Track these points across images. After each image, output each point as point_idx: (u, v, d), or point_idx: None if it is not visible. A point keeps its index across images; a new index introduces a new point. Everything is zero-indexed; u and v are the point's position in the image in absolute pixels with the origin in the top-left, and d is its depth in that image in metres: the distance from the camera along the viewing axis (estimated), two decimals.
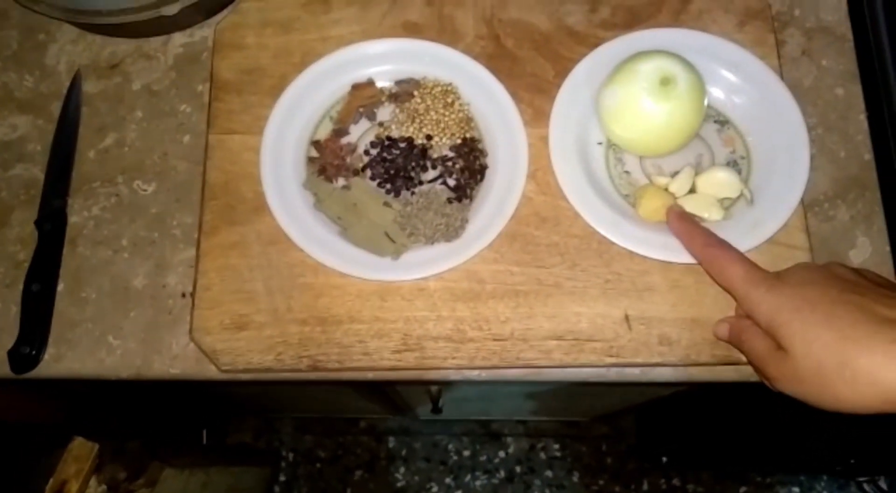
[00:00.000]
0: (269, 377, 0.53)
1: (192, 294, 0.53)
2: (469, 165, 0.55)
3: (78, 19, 0.54)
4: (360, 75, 0.57)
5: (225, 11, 0.61)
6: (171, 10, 0.54)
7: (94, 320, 0.54)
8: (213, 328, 0.52)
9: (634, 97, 0.51)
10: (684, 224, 0.51)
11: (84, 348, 0.53)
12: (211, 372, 0.53)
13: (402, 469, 1.44)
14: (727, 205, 0.54)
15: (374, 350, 0.52)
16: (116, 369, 0.53)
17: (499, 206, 0.53)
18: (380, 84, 0.57)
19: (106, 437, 1.18)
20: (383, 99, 0.57)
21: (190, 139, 0.58)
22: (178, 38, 0.61)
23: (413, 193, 0.55)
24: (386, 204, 0.54)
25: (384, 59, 0.57)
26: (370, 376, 0.53)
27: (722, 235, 0.50)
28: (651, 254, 0.52)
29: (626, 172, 0.55)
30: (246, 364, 0.51)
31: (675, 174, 0.54)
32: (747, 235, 0.52)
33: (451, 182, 0.55)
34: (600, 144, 0.56)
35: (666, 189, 0.54)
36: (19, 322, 0.53)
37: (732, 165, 0.55)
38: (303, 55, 0.58)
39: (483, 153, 0.55)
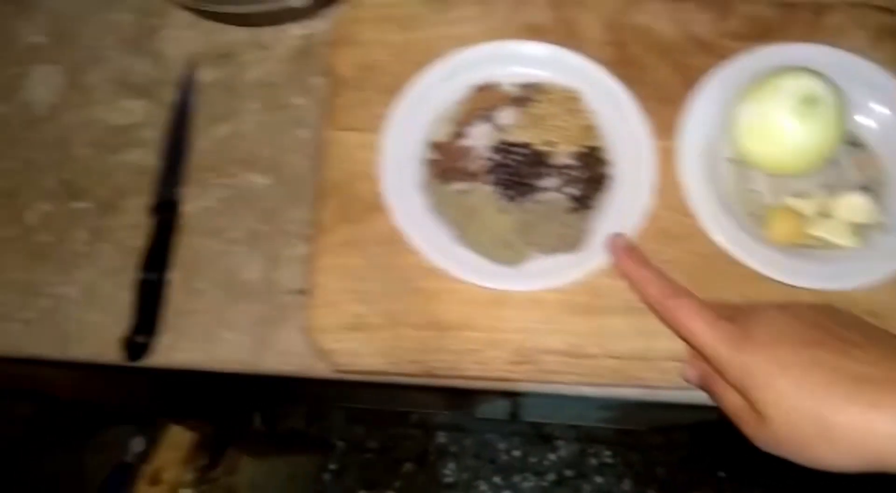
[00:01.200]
0: (378, 380, 0.53)
1: (307, 292, 0.52)
2: (591, 174, 0.53)
3: (205, 7, 0.54)
4: (482, 77, 0.56)
5: (342, 4, 0.60)
6: (299, 2, 0.53)
7: (205, 311, 0.54)
8: (329, 327, 0.51)
9: (774, 115, 0.49)
10: (635, 267, 0.48)
11: (195, 339, 0.53)
12: (322, 371, 0.52)
13: (451, 465, 1.44)
14: (860, 231, 0.52)
15: (489, 360, 0.51)
16: (227, 362, 0.53)
17: (623, 219, 0.52)
18: (501, 87, 0.56)
19: (169, 420, 1.19)
20: (505, 102, 0.55)
21: (304, 133, 0.58)
22: (293, 30, 0.60)
23: (532, 200, 0.53)
24: (504, 210, 0.53)
25: (508, 62, 0.56)
26: (479, 384, 0.53)
27: (856, 263, 0.49)
28: (780, 277, 0.50)
29: (754, 190, 0.53)
30: (361, 366, 0.51)
31: (802, 195, 0.52)
32: (883, 264, 0.50)
33: (572, 191, 0.53)
34: (728, 159, 0.54)
35: (798, 211, 0.52)
36: (133, 310, 0.53)
37: (865, 189, 0.53)
38: (422, 53, 0.57)
39: (606, 163, 0.54)
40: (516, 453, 1.45)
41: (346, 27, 0.58)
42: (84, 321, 0.54)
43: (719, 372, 0.43)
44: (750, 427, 0.41)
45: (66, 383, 0.81)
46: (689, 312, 0.44)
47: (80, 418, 1.27)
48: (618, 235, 0.50)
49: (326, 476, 1.42)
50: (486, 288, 0.51)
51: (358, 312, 0.52)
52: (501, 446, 1.45)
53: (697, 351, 0.45)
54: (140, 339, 0.52)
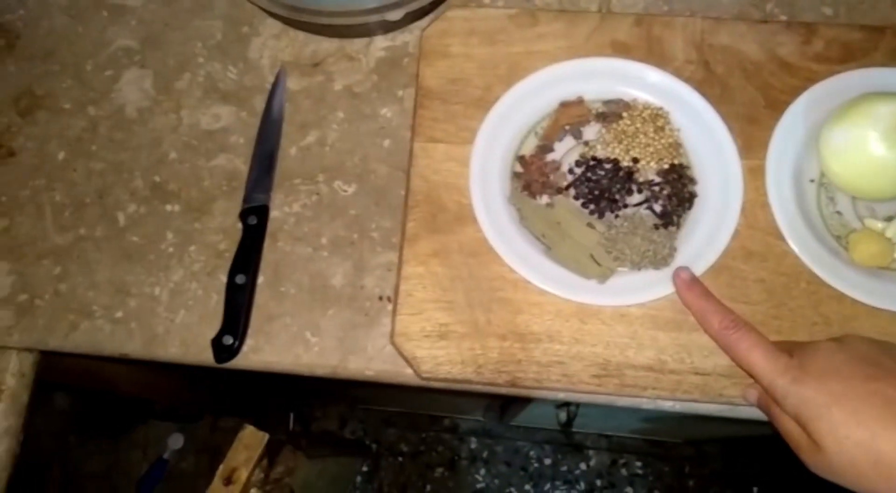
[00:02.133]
0: (462, 388, 0.54)
1: (394, 299, 0.53)
2: (677, 191, 0.54)
3: (300, 18, 0.55)
4: (569, 92, 0.57)
5: (429, 17, 0.61)
6: (395, 15, 0.54)
7: (292, 314, 0.55)
8: (414, 335, 0.52)
9: (865, 139, 0.50)
10: (697, 298, 0.50)
11: (282, 342, 0.54)
12: (408, 377, 0.53)
13: (482, 471, 1.44)
14: None
15: (574, 373, 0.51)
16: (313, 366, 0.54)
17: (710, 237, 0.52)
18: (588, 103, 0.57)
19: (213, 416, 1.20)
20: (590, 118, 0.56)
21: (390, 144, 0.58)
22: (380, 41, 0.61)
23: (617, 215, 0.54)
24: (590, 225, 0.54)
25: (594, 78, 0.57)
26: (562, 396, 0.53)
27: None
28: (865, 299, 0.51)
29: (838, 212, 0.54)
30: (446, 374, 0.52)
31: (889, 218, 0.53)
32: None
33: (658, 208, 0.54)
34: (812, 181, 0.54)
35: (883, 234, 0.52)
36: (223, 313, 0.54)
37: None
38: (508, 68, 0.58)
39: (692, 181, 0.54)
40: (547, 461, 1.45)
41: (434, 40, 0.59)
42: (172, 322, 0.55)
43: (776, 402, 0.45)
44: (807, 454, 0.43)
45: (119, 378, 0.82)
46: (749, 344, 0.46)
47: (118, 412, 1.29)
48: (682, 269, 0.51)
49: (358, 479, 1.43)
50: (571, 301, 0.52)
51: (443, 320, 0.53)
52: (532, 453, 1.45)
53: (753, 378, 0.47)
54: (229, 341, 0.53)
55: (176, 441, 1.31)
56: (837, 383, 0.42)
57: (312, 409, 1.47)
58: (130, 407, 1.28)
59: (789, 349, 0.45)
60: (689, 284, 0.50)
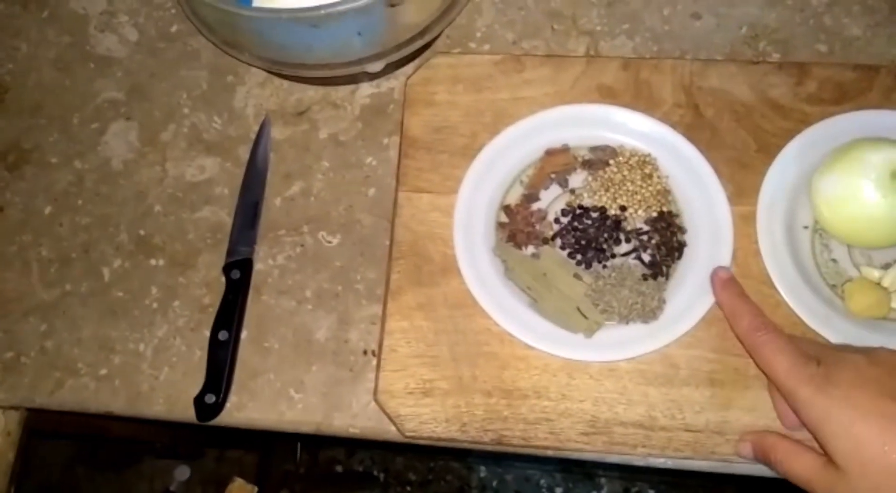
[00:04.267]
0: (447, 445, 0.52)
1: (377, 354, 0.52)
2: (665, 240, 0.53)
3: (282, 71, 0.55)
4: (554, 140, 0.56)
5: (414, 64, 0.61)
6: (375, 67, 0.54)
7: (275, 370, 0.54)
8: (398, 392, 0.51)
9: (858, 188, 0.48)
10: (732, 297, 0.48)
11: (265, 399, 0.53)
12: (392, 434, 0.52)
13: None
14: None
15: (561, 430, 0.50)
16: (296, 424, 0.53)
17: (700, 288, 0.51)
18: (573, 150, 0.56)
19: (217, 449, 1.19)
20: (576, 166, 0.55)
21: (375, 192, 0.58)
22: (365, 89, 0.61)
23: (605, 266, 0.53)
24: (576, 276, 0.52)
25: (580, 125, 0.56)
26: (549, 453, 0.52)
27: None
28: None
29: (834, 260, 0.52)
30: (430, 432, 0.51)
31: (886, 266, 0.51)
32: None
33: (646, 258, 0.53)
34: (806, 227, 0.53)
35: (879, 283, 0.51)
36: (206, 369, 0.53)
37: None
38: (494, 115, 0.57)
39: (681, 229, 0.53)
40: (558, 490, 1.43)
41: (419, 88, 0.58)
42: (156, 379, 0.54)
43: (795, 413, 0.43)
44: (829, 488, 0.40)
45: (110, 424, 0.82)
46: (774, 348, 0.44)
47: (124, 448, 1.29)
48: (721, 268, 0.50)
49: None
50: (558, 356, 0.51)
51: (427, 376, 0.52)
52: (543, 482, 1.43)
53: (775, 385, 0.44)
54: (211, 399, 0.53)
55: (182, 473, 1.30)
56: (863, 397, 0.40)
57: (320, 438, 1.46)
58: (132, 445, 1.28)
59: (819, 355, 0.43)
60: (726, 283, 0.49)
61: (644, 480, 1.41)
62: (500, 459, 1.43)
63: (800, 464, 0.42)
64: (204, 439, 1.22)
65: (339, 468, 1.44)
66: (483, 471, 1.44)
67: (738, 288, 0.49)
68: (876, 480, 0.38)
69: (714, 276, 0.50)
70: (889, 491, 0.37)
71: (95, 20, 0.65)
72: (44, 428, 0.63)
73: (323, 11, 0.47)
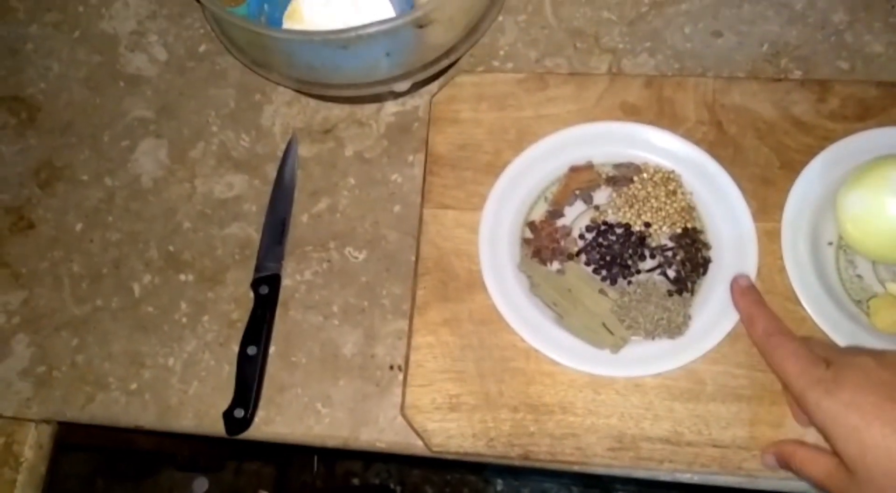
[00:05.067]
0: (474, 460, 0.53)
1: (404, 369, 0.53)
2: (690, 256, 0.53)
3: (310, 90, 0.56)
4: (578, 157, 0.56)
5: (438, 82, 0.61)
6: (402, 86, 0.54)
7: (303, 385, 0.55)
8: (425, 407, 0.52)
9: (883, 204, 0.49)
10: (750, 303, 0.49)
11: (293, 414, 0.54)
12: (419, 448, 0.53)
13: None
14: None
15: (587, 446, 0.50)
16: (324, 438, 0.54)
17: (725, 303, 0.51)
18: (598, 167, 0.56)
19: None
20: (601, 182, 0.56)
21: (400, 209, 0.59)
22: (390, 107, 0.62)
23: (630, 282, 0.53)
24: (602, 292, 0.53)
25: (604, 142, 0.56)
26: (577, 468, 0.52)
27: None
28: None
29: (859, 275, 0.52)
30: (457, 448, 0.51)
31: None
32: None
33: (671, 274, 0.53)
34: (831, 244, 0.53)
35: None
36: (234, 384, 0.54)
37: None
38: (518, 132, 0.58)
39: (706, 246, 0.53)
40: None
41: (443, 106, 0.59)
42: (185, 394, 0.55)
43: (807, 415, 0.43)
44: (842, 489, 0.41)
45: (137, 437, 0.83)
46: (787, 352, 0.45)
47: (143, 460, 1.29)
48: (741, 276, 0.51)
49: None
50: (584, 371, 0.51)
51: (454, 391, 0.52)
52: None
53: (787, 388, 0.45)
54: (240, 414, 0.53)
55: (201, 486, 1.31)
56: (871, 403, 0.40)
57: (337, 451, 1.46)
58: (153, 457, 1.29)
59: (830, 359, 0.44)
60: (745, 290, 0.50)
61: (662, 490, 1.40)
62: (516, 472, 1.43)
63: (816, 467, 0.43)
64: (223, 451, 1.22)
65: (355, 481, 1.44)
66: (500, 484, 1.43)
67: (756, 295, 0.50)
68: (881, 483, 0.38)
69: (734, 283, 0.51)
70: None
71: (125, 40, 0.67)
72: (74, 441, 0.63)
73: (353, 33, 0.47)
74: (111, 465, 1.27)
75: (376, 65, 0.53)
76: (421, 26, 0.49)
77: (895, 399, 0.40)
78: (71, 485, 1.34)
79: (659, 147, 0.56)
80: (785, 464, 0.46)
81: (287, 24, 0.55)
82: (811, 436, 0.47)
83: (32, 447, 0.56)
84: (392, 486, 1.44)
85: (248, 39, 0.55)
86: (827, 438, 0.42)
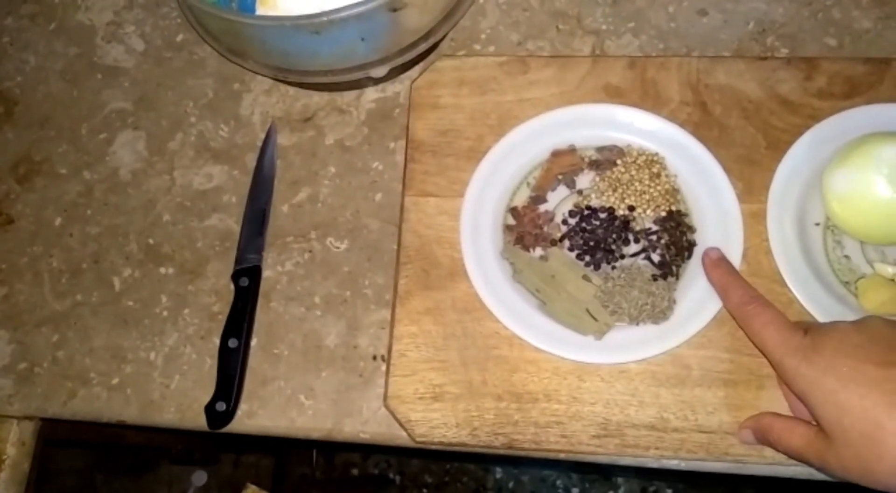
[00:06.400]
0: (458, 450, 0.52)
1: (387, 360, 0.52)
2: (675, 240, 0.52)
3: (287, 78, 0.55)
4: (560, 141, 0.55)
5: (418, 67, 0.60)
6: (379, 72, 0.53)
7: (285, 377, 0.54)
8: (408, 397, 0.51)
9: (870, 184, 0.48)
10: (722, 274, 0.49)
11: (276, 406, 0.53)
12: (403, 440, 0.52)
13: None
14: None
15: (572, 433, 0.50)
16: (307, 430, 0.53)
17: (710, 288, 0.50)
18: (580, 151, 0.55)
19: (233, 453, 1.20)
20: (584, 166, 0.55)
21: (382, 197, 0.58)
22: (371, 94, 0.61)
23: (614, 267, 0.53)
24: (585, 277, 0.52)
25: (586, 125, 0.55)
26: (562, 456, 0.52)
27: None
28: None
29: (847, 256, 0.51)
30: (441, 437, 0.51)
31: None
32: None
33: (656, 258, 0.52)
34: (818, 224, 0.52)
35: (893, 280, 0.50)
36: (216, 377, 0.53)
37: None
38: (499, 117, 0.57)
39: (691, 228, 0.53)
40: (575, 490, 1.42)
41: (424, 92, 0.58)
42: (167, 388, 0.55)
43: (786, 383, 0.43)
44: (816, 458, 0.41)
45: (125, 432, 0.82)
46: (764, 320, 0.45)
47: (141, 455, 1.29)
48: (711, 249, 0.51)
49: None
50: (568, 359, 0.51)
51: (437, 381, 0.51)
52: (560, 482, 1.42)
53: (765, 356, 0.45)
54: (222, 407, 0.53)
55: (199, 479, 1.31)
56: (848, 366, 0.40)
57: (335, 442, 1.46)
58: (150, 452, 1.29)
59: (806, 327, 0.44)
60: (716, 262, 0.50)
61: (661, 479, 1.40)
62: (516, 460, 1.43)
63: (794, 437, 0.43)
64: (220, 444, 1.22)
65: (354, 472, 1.44)
66: (499, 472, 1.43)
67: (728, 266, 0.50)
68: (857, 445, 0.38)
69: (704, 256, 0.51)
70: (870, 458, 0.38)
71: (102, 31, 0.66)
72: (60, 437, 0.63)
73: (325, 18, 0.47)
74: (109, 460, 1.27)
75: (352, 50, 0.52)
76: (395, 9, 0.48)
77: (872, 361, 0.39)
78: (69, 481, 1.34)
79: (642, 129, 0.55)
80: (763, 437, 0.46)
81: (260, 10, 0.54)
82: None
83: (15, 444, 0.56)
84: (391, 476, 1.45)
85: (222, 27, 0.54)
86: (806, 404, 0.42)
